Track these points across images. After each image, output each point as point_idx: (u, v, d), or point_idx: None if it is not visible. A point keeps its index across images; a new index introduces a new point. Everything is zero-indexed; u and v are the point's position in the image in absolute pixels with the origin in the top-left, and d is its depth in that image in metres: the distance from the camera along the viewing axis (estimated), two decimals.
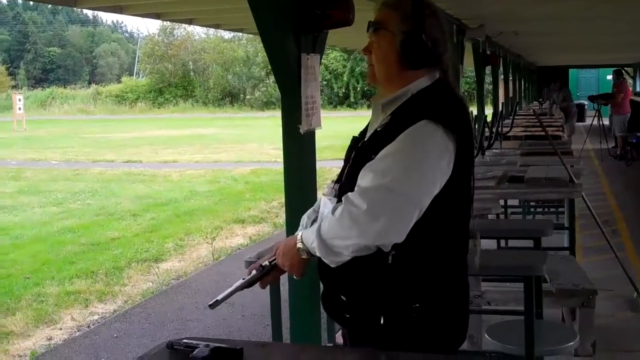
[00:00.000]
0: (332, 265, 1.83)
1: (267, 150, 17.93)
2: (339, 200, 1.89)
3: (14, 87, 49.87)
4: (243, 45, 44.38)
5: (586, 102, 20.86)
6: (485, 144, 6.52)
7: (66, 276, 6.70)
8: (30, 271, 6.99)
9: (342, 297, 1.91)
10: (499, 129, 7.37)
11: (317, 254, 1.83)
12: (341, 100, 41.36)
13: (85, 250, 7.84)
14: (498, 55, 10.53)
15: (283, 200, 2.94)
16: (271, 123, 25.30)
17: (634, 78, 21.52)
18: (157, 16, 5.44)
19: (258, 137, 22.09)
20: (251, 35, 13.83)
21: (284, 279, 2.97)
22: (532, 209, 7.63)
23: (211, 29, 19.89)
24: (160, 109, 41.92)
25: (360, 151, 1.90)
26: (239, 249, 7.80)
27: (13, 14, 70.94)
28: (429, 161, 1.77)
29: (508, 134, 8.35)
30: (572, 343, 3.10)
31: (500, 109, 9.29)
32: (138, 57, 56.98)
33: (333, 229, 1.78)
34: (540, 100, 17.40)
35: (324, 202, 2.00)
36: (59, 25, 73.06)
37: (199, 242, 8.13)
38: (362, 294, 1.87)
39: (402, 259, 1.81)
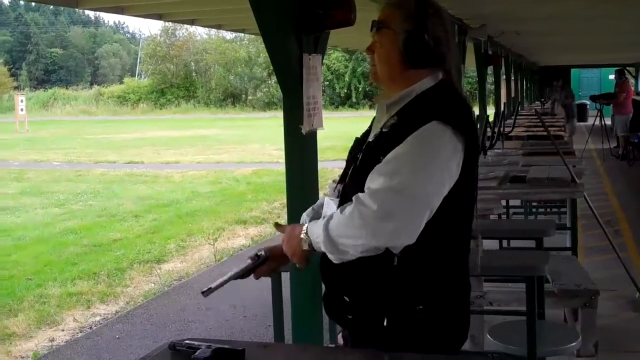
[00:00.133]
0: (335, 262, 1.82)
1: (269, 151, 17.92)
2: (342, 201, 1.88)
3: (16, 88, 49.91)
4: (245, 45, 44.42)
5: (588, 102, 20.84)
6: (487, 144, 6.51)
7: (68, 277, 6.71)
8: (32, 272, 7.00)
9: (345, 298, 1.90)
10: (501, 129, 7.35)
11: (322, 249, 1.81)
12: (343, 101, 41.39)
13: (87, 252, 7.86)
14: (500, 55, 10.53)
15: (285, 201, 2.94)
16: (273, 124, 25.28)
17: (636, 78, 21.46)
18: (158, 17, 5.44)
19: (260, 137, 22.09)
20: (253, 36, 13.83)
21: (285, 280, 2.99)
22: (534, 209, 7.63)
23: (213, 29, 19.92)
24: (162, 110, 41.97)
25: (367, 152, 1.88)
26: (241, 249, 7.80)
27: (15, 15, 71.10)
28: (439, 162, 1.76)
29: (510, 134, 8.34)
30: (574, 344, 3.10)
31: (502, 109, 9.29)
32: (140, 58, 57.03)
33: (342, 227, 1.76)
34: (542, 100, 17.37)
35: (327, 202, 1.99)
36: (60, 26, 73.22)
37: (201, 243, 8.14)
38: (366, 295, 1.86)
39: (407, 261, 1.80)
